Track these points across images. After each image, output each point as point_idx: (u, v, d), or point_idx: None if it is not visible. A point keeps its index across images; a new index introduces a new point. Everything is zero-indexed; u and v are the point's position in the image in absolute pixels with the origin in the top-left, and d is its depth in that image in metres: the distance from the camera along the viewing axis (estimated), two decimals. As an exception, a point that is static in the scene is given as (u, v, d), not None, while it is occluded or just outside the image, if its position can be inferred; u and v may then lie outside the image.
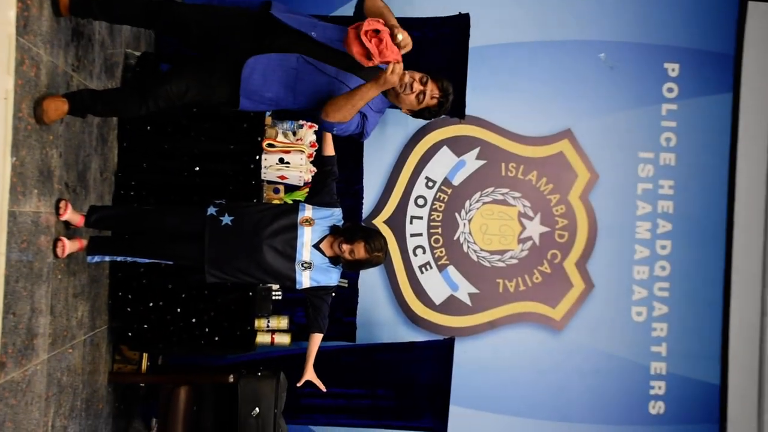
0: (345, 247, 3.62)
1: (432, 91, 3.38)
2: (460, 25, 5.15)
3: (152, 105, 3.37)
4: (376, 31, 3.00)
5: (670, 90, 5.85)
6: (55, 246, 3.48)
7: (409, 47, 3.09)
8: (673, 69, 5.85)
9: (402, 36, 3.04)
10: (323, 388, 3.93)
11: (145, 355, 4.65)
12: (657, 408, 5.86)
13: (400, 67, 3.06)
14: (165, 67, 4.56)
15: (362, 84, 3.23)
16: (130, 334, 4.49)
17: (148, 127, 4.48)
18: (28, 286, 3.22)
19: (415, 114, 3.48)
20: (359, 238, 3.62)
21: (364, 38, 2.98)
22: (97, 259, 3.77)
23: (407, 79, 3.32)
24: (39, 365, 3.39)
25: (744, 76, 5.86)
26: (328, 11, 5.42)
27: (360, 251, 3.61)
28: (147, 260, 3.78)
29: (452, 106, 5.13)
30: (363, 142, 3.74)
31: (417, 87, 3.34)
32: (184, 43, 3.51)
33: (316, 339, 3.84)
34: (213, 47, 3.38)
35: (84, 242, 3.72)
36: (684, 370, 5.87)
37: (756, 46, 5.85)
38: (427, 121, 4.60)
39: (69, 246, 3.56)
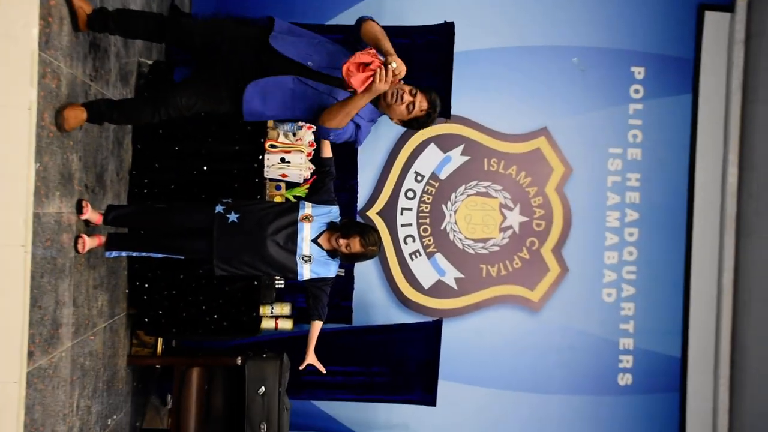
0: (342, 241, 3.60)
1: (421, 102, 3.31)
2: (445, 32, 5.13)
3: (164, 114, 3.35)
4: (366, 64, 2.99)
5: (637, 91, 5.86)
6: (76, 243, 3.45)
7: (403, 73, 3.04)
8: (638, 72, 5.86)
9: (396, 64, 2.99)
10: (323, 371, 3.92)
11: (160, 340, 4.63)
12: (625, 379, 5.91)
13: (384, 73, 3.00)
14: (178, 73, 4.52)
15: (352, 96, 3.18)
16: (146, 320, 4.48)
17: (160, 131, 4.45)
18: (52, 281, 3.19)
19: (405, 123, 3.42)
20: (355, 233, 3.60)
21: (348, 73, 2.99)
22: (114, 254, 3.74)
23: (400, 91, 3.28)
24: (64, 352, 3.37)
25: (702, 79, 5.89)
26: (323, 20, 5.37)
27: (356, 245, 3.59)
28: (160, 255, 3.75)
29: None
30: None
31: (407, 98, 3.28)
32: (191, 55, 3.48)
33: (317, 326, 3.83)
34: (217, 59, 3.33)
35: (102, 239, 3.69)
36: (649, 344, 5.92)
37: (712, 51, 5.88)
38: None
39: (89, 242, 3.53)
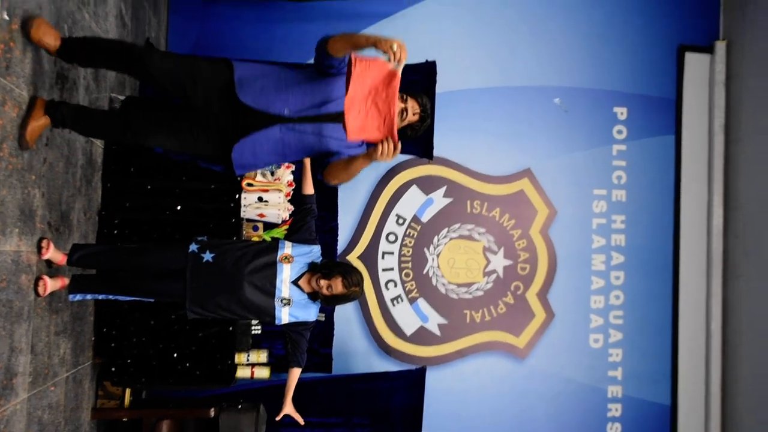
0: (323, 282, 3.38)
1: (413, 107, 3.13)
2: (427, 72, 5.02)
3: (132, 143, 3.17)
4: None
5: (620, 132, 5.80)
6: (36, 285, 3.18)
7: (405, 57, 2.80)
8: (621, 112, 5.80)
9: (397, 47, 2.77)
10: (301, 422, 3.67)
11: (128, 390, 4.35)
12: (614, 429, 5.73)
13: (389, 148, 2.85)
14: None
15: (359, 157, 3.02)
16: (113, 369, 4.20)
17: (132, 169, 4.24)
18: (7, 326, 2.92)
19: (398, 132, 3.20)
20: (337, 274, 3.38)
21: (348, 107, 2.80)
22: (79, 297, 3.47)
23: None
24: (18, 405, 3.08)
25: (684, 119, 5.86)
26: (303, 60, 5.21)
27: (338, 286, 3.37)
28: (129, 298, 3.49)
29: (421, 148, 5.00)
30: None
31: (399, 105, 3.07)
32: (161, 92, 3.23)
33: (295, 373, 3.58)
34: (193, 103, 3.07)
35: (66, 281, 3.42)
36: (638, 392, 5.76)
37: (693, 91, 5.87)
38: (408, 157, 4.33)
39: (51, 284, 3.26)
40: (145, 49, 3.13)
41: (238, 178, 4.39)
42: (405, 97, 3.12)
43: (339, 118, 3.00)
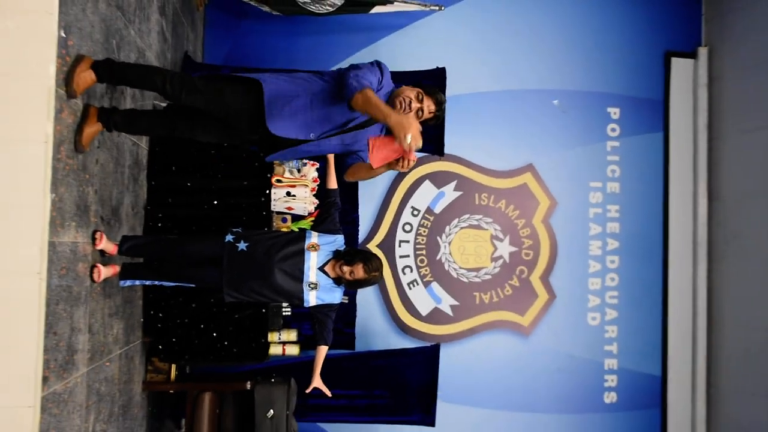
0: (346, 268, 3.40)
1: (429, 105, 3.08)
2: (438, 77, 5.00)
3: (179, 136, 3.16)
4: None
5: (613, 130, 5.75)
6: (91, 272, 3.22)
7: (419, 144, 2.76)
8: (614, 112, 5.75)
9: (410, 140, 2.70)
10: (329, 394, 3.69)
11: (173, 366, 4.38)
12: (610, 398, 5.70)
13: (407, 163, 2.91)
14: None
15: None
16: (160, 347, 4.24)
17: (173, 168, 4.26)
18: (67, 308, 2.96)
19: None
20: (358, 260, 3.40)
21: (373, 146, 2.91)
22: (128, 283, 3.51)
23: (405, 99, 3.04)
24: (79, 378, 3.12)
25: (671, 118, 5.81)
26: (326, 67, 5.24)
27: (359, 272, 3.39)
28: (172, 284, 3.52)
29: (434, 146, 5.00)
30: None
31: (415, 105, 3.05)
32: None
33: (322, 351, 3.60)
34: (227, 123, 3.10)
35: (117, 268, 3.46)
36: (631, 364, 5.74)
37: (679, 93, 5.82)
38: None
39: (104, 272, 3.30)
40: (175, 90, 3.01)
41: (268, 176, 4.40)
42: (421, 96, 3.07)
43: (364, 125, 3.03)
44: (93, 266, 3.23)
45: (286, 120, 2.98)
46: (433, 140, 5.07)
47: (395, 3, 4.84)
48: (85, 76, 2.92)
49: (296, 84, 3.04)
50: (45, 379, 2.74)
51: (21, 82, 2.67)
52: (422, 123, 3.06)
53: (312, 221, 4.61)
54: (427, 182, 5.52)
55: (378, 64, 3.05)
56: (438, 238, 5.55)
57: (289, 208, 4.56)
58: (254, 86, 3.01)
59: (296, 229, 4.59)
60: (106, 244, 3.30)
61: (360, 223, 5.33)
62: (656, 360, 5.76)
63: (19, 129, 2.66)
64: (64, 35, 2.81)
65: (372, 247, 5.44)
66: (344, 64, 5.30)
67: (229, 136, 3.15)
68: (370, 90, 2.84)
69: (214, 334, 4.27)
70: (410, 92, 3.05)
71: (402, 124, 2.67)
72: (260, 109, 2.97)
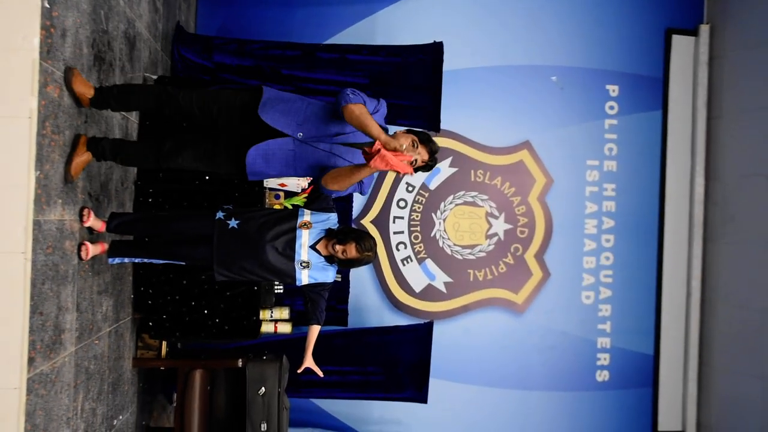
0: (338, 247, 3.31)
1: (423, 155, 3.05)
2: (435, 51, 4.87)
3: (164, 167, 3.22)
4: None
5: (612, 108, 5.67)
6: (79, 250, 3.15)
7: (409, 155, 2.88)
8: (613, 90, 5.67)
9: (406, 146, 2.88)
10: (321, 374, 3.62)
11: (164, 343, 4.34)
12: (603, 376, 5.70)
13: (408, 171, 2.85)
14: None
15: (361, 166, 2.91)
16: (151, 324, 4.19)
17: (165, 140, 4.15)
18: (54, 287, 2.89)
19: None
20: (351, 240, 3.31)
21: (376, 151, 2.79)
22: (117, 261, 3.44)
23: (401, 145, 2.97)
24: (67, 357, 3.07)
25: (671, 96, 5.73)
26: (321, 40, 5.12)
27: (352, 251, 3.30)
28: (162, 261, 3.44)
29: (429, 120, 4.90)
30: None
31: (409, 156, 2.93)
32: (189, 124, 3.22)
33: (314, 330, 3.53)
34: (215, 128, 3.10)
35: (106, 246, 3.39)
36: (625, 343, 5.73)
37: (679, 71, 5.74)
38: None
39: (92, 249, 3.23)
40: (172, 90, 3.11)
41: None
42: (416, 144, 3.03)
43: (352, 146, 3.04)
44: (81, 244, 3.16)
45: (278, 113, 3.02)
46: (429, 116, 4.97)
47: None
48: (82, 161, 3.04)
49: (297, 96, 3.14)
50: (31, 360, 2.68)
51: (3, 56, 2.57)
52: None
53: (305, 198, 4.53)
54: (422, 158, 5.43)
55: (379, 100, 3.13)
56: (433, 214, 5.48)
57: (282, 185, 4.50)
58: (255, 89, 3.12)
59: (289, 206, 4.52)
60: (94, 222, 3.22)
61: (354, 198, 5.26)
62: (649, 339, 5.75)
63: (1, 104, 2.56)
64: (48, 5, 2.70)
65: (366, 223, 5.38)
66: (340, 37, 5.25)
67: (215, 162, 3.14)
68: (365, 107, 2.90)
69: (206, 311, 4.22)
70: (405, 139, 3.00)
71: (391, 142, 2.78)
72: (255, 104, 3.03)
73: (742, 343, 5.22)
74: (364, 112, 2.86)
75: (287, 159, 3.06)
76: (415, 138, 3.05)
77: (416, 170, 3.11)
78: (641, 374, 5.75)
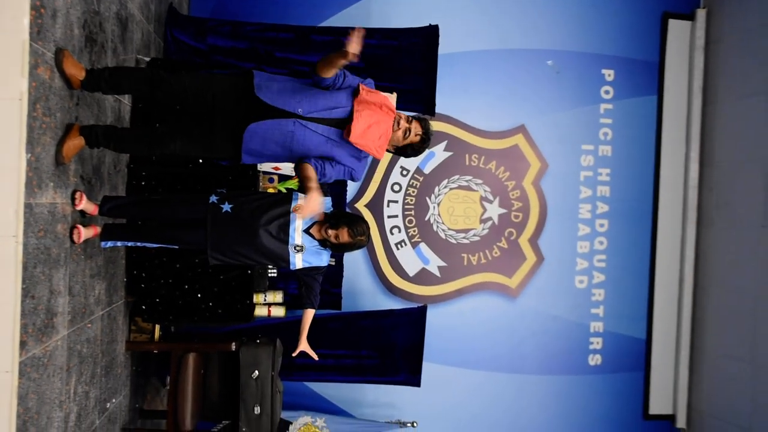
0: (331, 232, 3.29)
1: (416, 129, 3.17)
2: (430, 35, 4.83)
3: (158, 153, 3.24)
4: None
5: (607, 92, 5.65)
6: (71, 233, 3.12)
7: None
8: (609, 74, 5.65)
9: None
10: (316, 358, 3.63)
11: (157, 326, 4.32)
12: (595, 360, 5.72)
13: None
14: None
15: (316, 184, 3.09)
16: (144, 307, 4.17)
17: (157, 125, 4.11)
18: (46, 271, 2.87)
19: (398, 150, 3.28)
20: (343, 224, 3.30)
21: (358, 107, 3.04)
22: (110, 244, 3.41)
23: (397, 118, 3.13)
24: (59, 341, 3.05)
25: (666, 81, 5.72)
26: (316, 22, 5.08)
27: (344, 236, 3.29)
28: (155, 245, 3.42)
29: (424, 104, 4.88)
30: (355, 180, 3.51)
31: (404, 125, 3.13)
32: (182, 107, 3.19)
33: (309, 314, 3.53)
34: (209, 112, 3.09)
35: (98, 229, 3.36)
36: (617, 328, 5.76)
37: (675, 55, 5.73)
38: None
39: (85, 233, 3.20)
40: (164, 75, 3.09)
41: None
42: (410, 119, 3.17)
43: (344, 124, 3.08)
44: (73, 227, 3.13)
45: (275, 93, 3.06)
46: (425, 99, 4.94)
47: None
48: (74, 145, 3.01)
49: (286, 77, 3.19)
50: (23, 344, 2.67)
51: (-8, 36, 2.53)
52: (406, 147, 3.24)
53: (299, 182, 4.50)
54: (417, 142, 5.41)
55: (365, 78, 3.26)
56: (427, 198, 5.47)
57: (276, 168, 4.47)
58: (245, 73, 3.13)
59: (283, 190, 4.50)
60: (86, 205, 3.20)
61: (348, 182, 5.22)
62: (642, 323, 5.78)
63: (-9, 86, 2.53)
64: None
65: (360, 206, 5.36)
66: (335, 19, 5.20)
67: (209, 147, 3.14)
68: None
69: (199, 295, 4.20)
70: (402, 113, 3.17)
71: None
72: (249, 87, 3.05)
73: (734, 328, 5.24)
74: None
75: (285, 140, 3.07)
76: (409, 116, 3.19)
77: (408, 147, 3.23)
78: (633, 358, 5.78)
